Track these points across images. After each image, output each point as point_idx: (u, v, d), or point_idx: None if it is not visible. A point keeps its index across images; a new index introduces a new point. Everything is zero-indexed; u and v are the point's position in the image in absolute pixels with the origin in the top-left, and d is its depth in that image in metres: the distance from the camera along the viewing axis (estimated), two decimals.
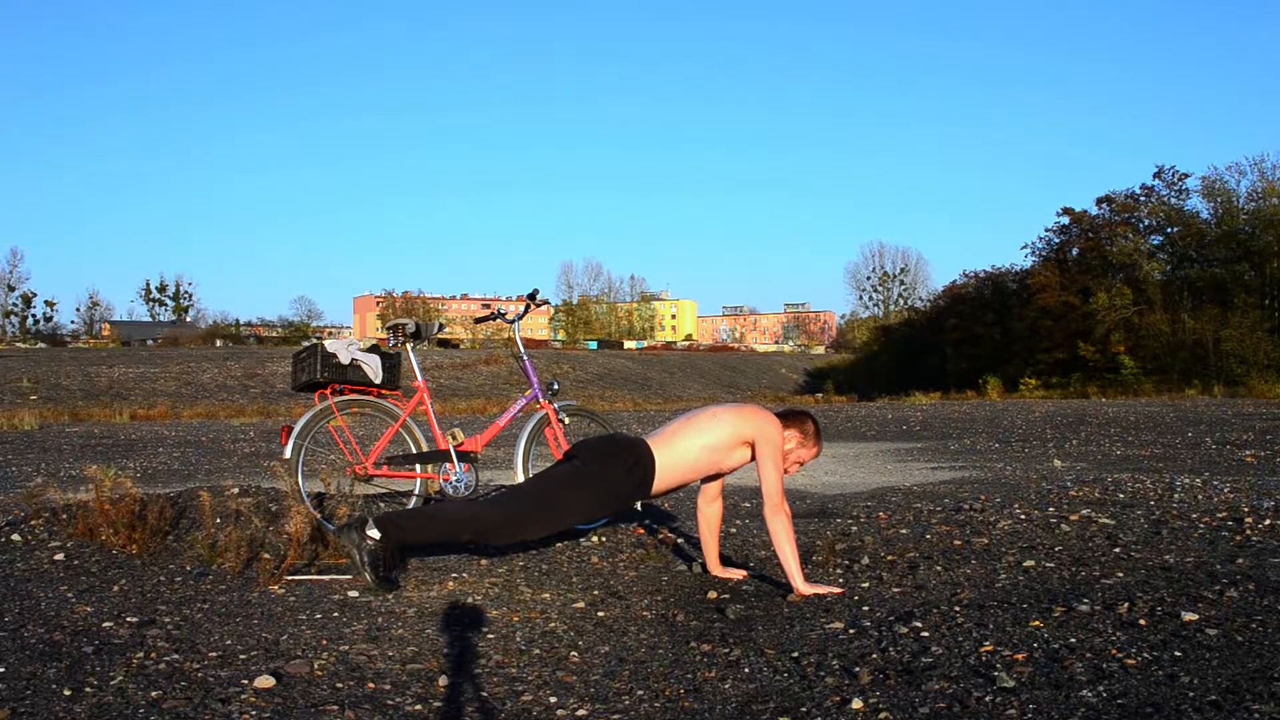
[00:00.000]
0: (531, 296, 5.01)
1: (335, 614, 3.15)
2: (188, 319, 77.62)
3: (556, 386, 4.87)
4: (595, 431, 4.86)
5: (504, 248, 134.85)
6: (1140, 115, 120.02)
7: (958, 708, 2.21)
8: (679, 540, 4.28)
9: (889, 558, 3.73)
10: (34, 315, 71.79)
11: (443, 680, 2.58)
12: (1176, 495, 4.70)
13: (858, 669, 2.50)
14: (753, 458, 3.54)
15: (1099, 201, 44.57)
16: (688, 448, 3.52)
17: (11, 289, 70.60)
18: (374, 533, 3.38)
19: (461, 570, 3.74)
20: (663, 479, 3.53)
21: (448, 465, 4.50)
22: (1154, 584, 3.02)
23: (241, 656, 2.70)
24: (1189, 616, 2.66)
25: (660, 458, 3.50)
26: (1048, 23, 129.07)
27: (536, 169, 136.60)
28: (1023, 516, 4.21)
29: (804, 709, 2.29)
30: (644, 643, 2.92)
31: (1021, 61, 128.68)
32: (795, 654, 2.68)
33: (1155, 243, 43.00)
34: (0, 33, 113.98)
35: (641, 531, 4.33)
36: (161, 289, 78.61)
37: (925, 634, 2.73)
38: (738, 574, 3.68)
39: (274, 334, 72.23)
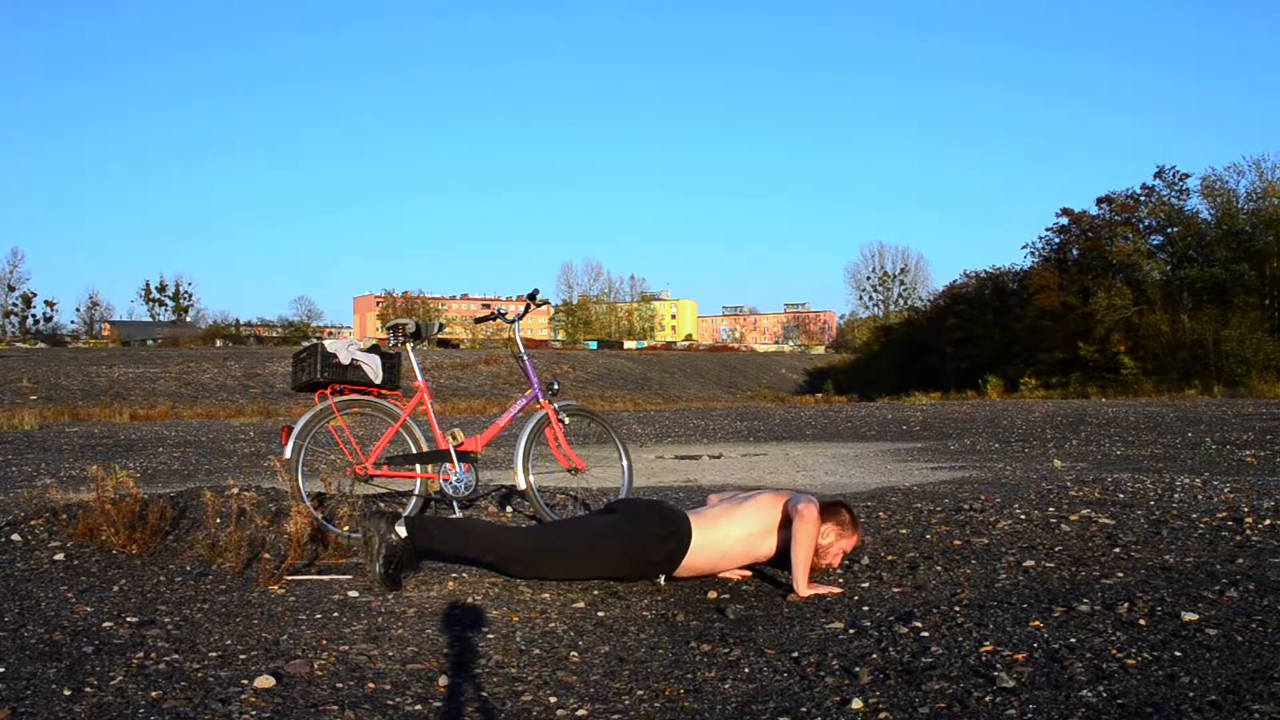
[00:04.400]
0: (531, 296, 5.01)
1: (335, 614, 3.15)
2: (188, 319, 77.61)
3: (556, 386, 4.86)
4: (596, 431, 4.86)
5: (504, 248, 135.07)
6: (1140, 115, 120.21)
7: (958, 708, 2.21)
8: None
9: (889, 558, 3.73)
10: (34, 315, 71.90)
11: (443, 680, 2.58)
12: (1176, 495, 4.70)
13: (858, 669, 2.50)
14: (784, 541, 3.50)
15: (1099, 201, 44.67)
16: (726, 534, 3.49)
17: (11, 289, 70.72)
18: (401, 530, 3.37)
19: (462, 570, 3.74)
20: (695, 558, 3.48)
21: (448, 465, 4.49)
22: (1154, 584, 3.02)
23: (241, 656, 2.70)
24: (1189, 616, 2.66)
25: (698, 536, 3.46)
26: (1047, 23, 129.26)
27: (537, 169, 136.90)
28: (1023, 516, 4.21)
29: (804, 709, 2.29)
30: (644, 643, 2.92)
31: (1022, 61, 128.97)
32: (795, 654, 2.68)
33: (1155, 243, 43.06)
34: (1, 33, 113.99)
35: None
36: (161, 289, 78.66)
37: (925, 634, 2.73)
38: (738, 574, 3.68)
39: (274, 334, 72.21)
